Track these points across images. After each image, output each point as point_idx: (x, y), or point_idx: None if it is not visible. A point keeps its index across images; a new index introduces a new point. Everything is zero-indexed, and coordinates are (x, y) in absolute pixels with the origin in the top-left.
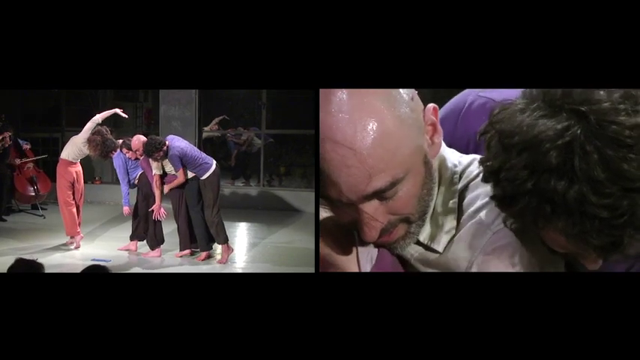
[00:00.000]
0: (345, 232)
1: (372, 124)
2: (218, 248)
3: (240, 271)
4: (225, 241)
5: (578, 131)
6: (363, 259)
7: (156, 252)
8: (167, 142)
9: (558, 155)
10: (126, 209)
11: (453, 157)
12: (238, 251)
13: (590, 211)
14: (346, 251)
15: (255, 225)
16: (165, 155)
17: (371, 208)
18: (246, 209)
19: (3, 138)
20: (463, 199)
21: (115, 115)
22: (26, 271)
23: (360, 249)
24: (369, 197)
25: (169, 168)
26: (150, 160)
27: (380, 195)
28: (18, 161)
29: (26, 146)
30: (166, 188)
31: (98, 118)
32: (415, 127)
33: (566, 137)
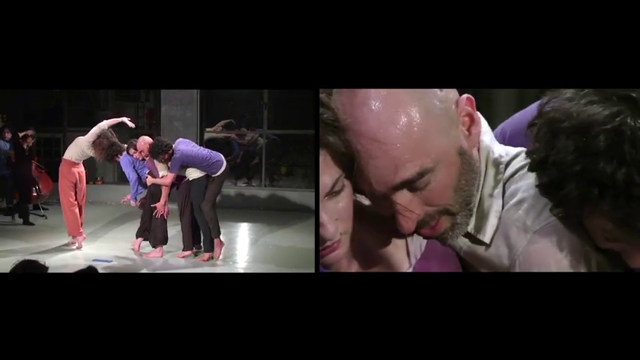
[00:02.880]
0: (392, 220)
1: (395, 115)
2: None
3: (241, 271)
4: (218, 234)
5: (628, 118)
6: (412, 246)
7: (157, 252)
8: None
9: (607, 139)
10: (132, 202)
11: (499, 149)
12: (240, 251)
13: (637, 194)
14: (395, 239)
15: (256, 225)
16: (171, 158)
17: (404, 199)
18: (247, 209)
19: (25, 135)
20: (506, 190)
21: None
22: (31, 272)
23: (409, 237)
24: (398, 188)
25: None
26: (155, 161)
27: (410, 186)
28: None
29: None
30: (150, 181)
31: (105, 124)
32: (444, 118)
33: (616, 122)
